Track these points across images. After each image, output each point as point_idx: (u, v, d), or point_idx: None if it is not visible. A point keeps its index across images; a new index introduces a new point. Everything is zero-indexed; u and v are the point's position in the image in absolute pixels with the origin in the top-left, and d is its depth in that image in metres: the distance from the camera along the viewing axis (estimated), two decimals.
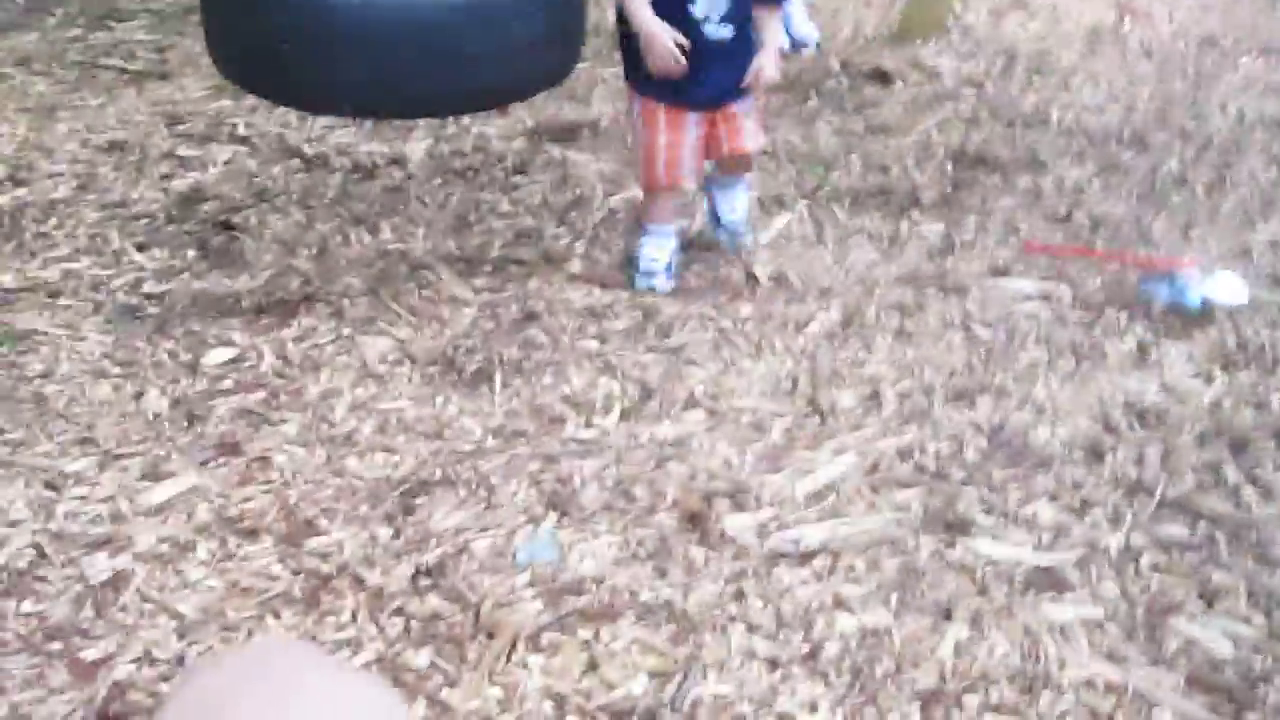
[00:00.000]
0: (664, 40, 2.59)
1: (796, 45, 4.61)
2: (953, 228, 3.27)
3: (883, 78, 4.34)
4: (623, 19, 2.69)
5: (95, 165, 3.47)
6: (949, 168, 3.64)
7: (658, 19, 2.59)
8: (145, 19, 4.83)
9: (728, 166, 3.00)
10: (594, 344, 2.67)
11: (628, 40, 2.72)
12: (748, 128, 2.85)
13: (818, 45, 4.66)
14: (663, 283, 2.89)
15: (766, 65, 2.73)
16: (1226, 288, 2.92)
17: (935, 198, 3.44)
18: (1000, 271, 3.05)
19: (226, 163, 3.53)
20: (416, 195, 3.36)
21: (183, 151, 3.59)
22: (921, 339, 2.72)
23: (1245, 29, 5.18)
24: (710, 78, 2.70)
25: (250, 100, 3.84)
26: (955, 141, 3.82)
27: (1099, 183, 3.58)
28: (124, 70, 4.24)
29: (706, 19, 2.65)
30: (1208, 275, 2.94)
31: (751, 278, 2.95)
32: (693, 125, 2.79)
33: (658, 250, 2.91)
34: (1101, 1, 5.54)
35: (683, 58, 2.60)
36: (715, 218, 3.11)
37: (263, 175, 3.46)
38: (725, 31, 2.67)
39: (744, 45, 2.72)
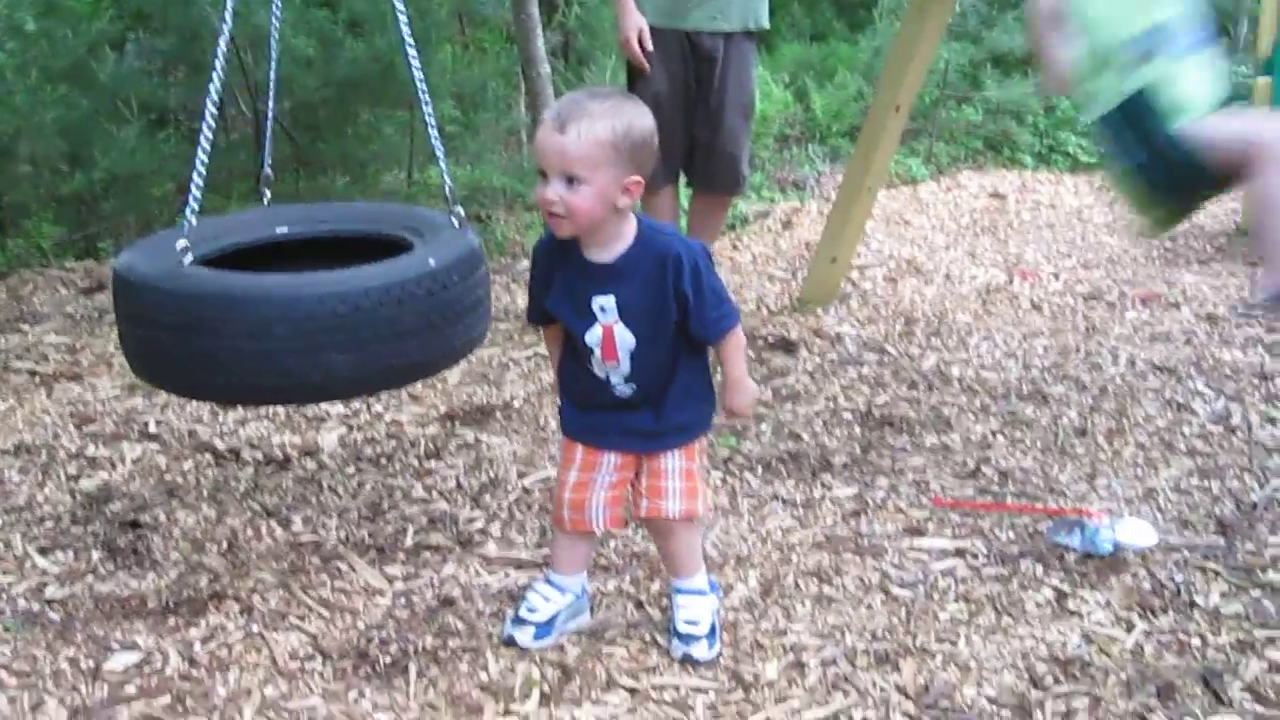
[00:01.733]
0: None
1: None
2: (865, 489, 3.31)
3: (788, 347, 4.47)
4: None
5: (1, 470, 3.42)
6: (857, 430, 3.71)
7: None
8: (58, 321, 4.86)
9: (653, 530, 2.63)
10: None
11: (559, 366, 2.53)
12: (672, 489, 2.47)
13: None
14: (527, 638, 2.52)
15: (735, 401, 2.44)
16: (1135, 532, 2.97)
17: (846, 460, 3.49)
18: (915, 530, 3.07)
19: (136, 461, 3.49)
20: (329, 485, 3.34)
21: (91, 451, 3.55)
22: (841, 603, 2.71)
23: (1127, 282, 5.44)
24: (623, 422, 2.45)
25: (162, 397, 3.84)
26: (862, 405, 3.91)
27: (1003, 437, 3.67)
28: (34, 373, 4.23)
29: (610, 382, 2.41)
30: (1116, 521, 2.99)
31: None
32: (612, 470, 2.48)
33: (544, 601, 2.56)
34: (991, 264, 5.82)
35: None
36: (672, 626, 2.56)
37: (173, 471, 3.43)
38: (628, 389, 2.41)
39: (662, 398, 2.42)
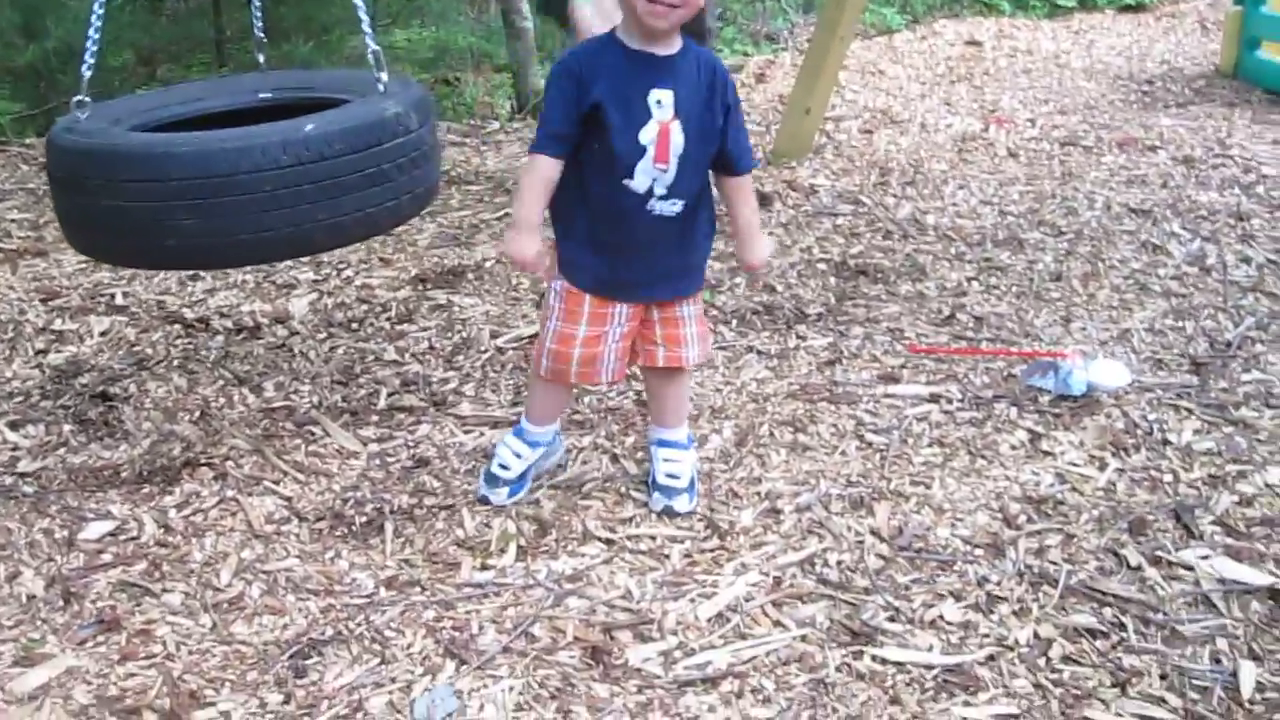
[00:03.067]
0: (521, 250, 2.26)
1: None
2: (839, 339, 3.29)
3: (763, 200, 4.41)
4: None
5: None
6: (832, 281, 3.69)
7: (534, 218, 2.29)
8: (20, 198, 4.78)
9: (657, 379, 2.56)
10: None
11: (560, 210, 2.37)
12: (689, 335, 2.45)
13: None
14: (501, 497, 2.52)
15: (750, 252, 2.42)
16: (1109, 373, 2.97)
17: (820, 311, 3.47)
18: (889, 378, 3.07)
19: (104, 333, 3.45)
20: (300, 351, 3.31)
21: (59, 325, 3.51)
22: (815, 451, 2.71)
23: (1103, 127, 5.37)
24: (652, 262, 2.36)
25: (129, 271, 3.79)
26: (836, 255, 3.88)
27: (978, 284, 3.65)
28: None
29: (650, 193, 2.27)
30: (1090, 362, 2.99)
31: (640, 404, 2.93)
32: (621, 320, 2.40)
33: (515, 457, 2.53)
34: (967, 113, 5.74)
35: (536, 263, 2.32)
36: (652, 479, 2.55)
37: (142, 343, 3.39)
38: (674, 208, 2.30)
39: (693, 225, 2.36)
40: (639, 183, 2.25)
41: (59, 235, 4.22)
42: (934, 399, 2.95)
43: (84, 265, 3.94)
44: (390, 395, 3.03)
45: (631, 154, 2.23)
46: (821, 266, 3.79)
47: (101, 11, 2.66)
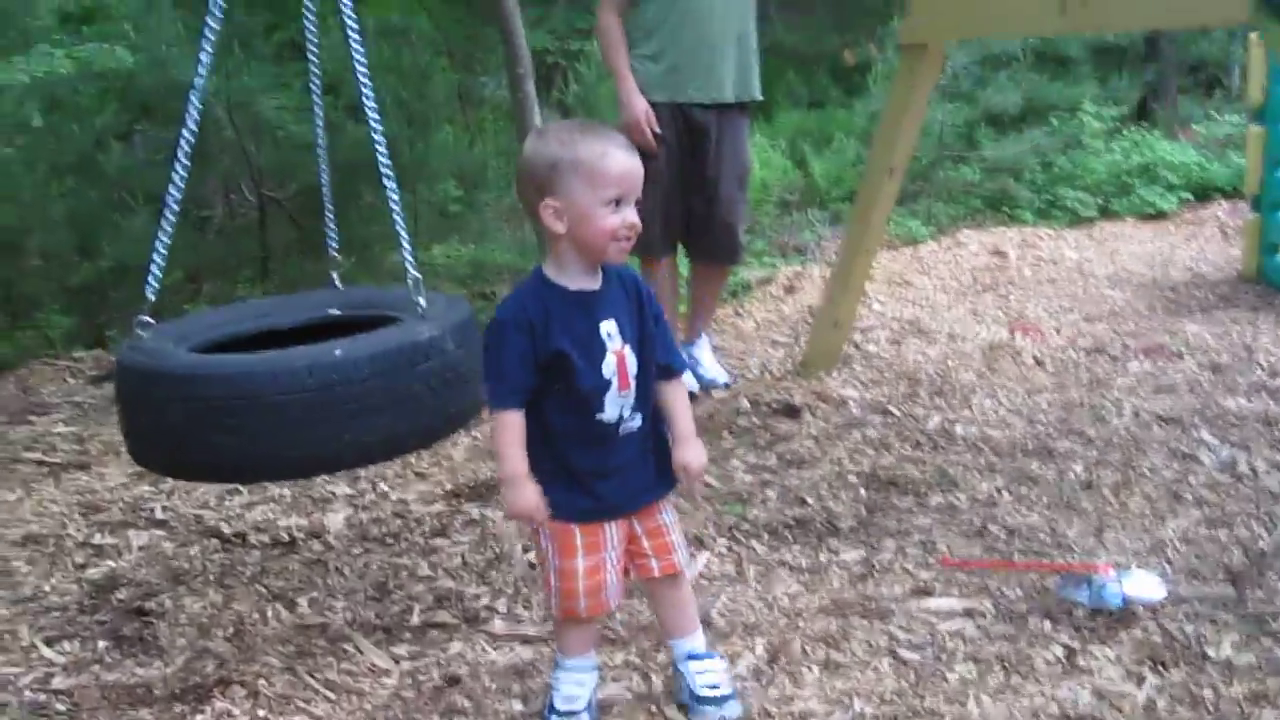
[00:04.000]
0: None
1: (706, 386, 4.77)
2: (872, 552, 3.30)
3: (792, 411, 4.47)
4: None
5: (9, 560, 3.43)
6: (863, 493, 3.71)
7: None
8: (67, 411, 4.90)
9: (659, 588, 2.56)
10: (518, 705, 2.60)
11: (533, 461, 2.36)
12: (676, 540, 2.51)
13: (726, 385, 4.82)
14: None
15: (692, 455, 2.43)
16: (1144, 585, 2.94)
17: (852, 524, 3.49)
18: (922, 591, 3.06)
19: (143, 548, 3.51)
20: (335, 566, 3.34)
21: (99, 539, 3.57)
22: (849, 668, 2.69)
23: (1130, 334, 5.44)
24: (628, 478, 2.42)
25: (169, 484, 3.86)
26: (867, 467, 3.91)
27: (1009, 494, 3.66)
28: (42, 463, 4.26)
29: (620, 418, 2.36)
30: (1124, 574, 2.97)
31: None
32: (614, 542, 2.43)
33: (577, 687, 2.50)
34: (994, 322, 5.83)
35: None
36: (691, 696, 2.52)
37: (180, 557, 3.44)
38: (637, 423, 2.40)
39: (655, 431, 2.46)
40: (610, 413, 2.35)
41: (102, 449, 4.34)
42: (967, 613, 2.93)
43: (126, 480, 4.02)
44: (423, 612, 3.05)
45: (599, 389, 2.32)
46: (852, 478, 3.81)
47: (168, 240, 2.83)
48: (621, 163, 2.25)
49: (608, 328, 2.33)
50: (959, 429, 4.24)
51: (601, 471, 2.38)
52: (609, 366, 2.32)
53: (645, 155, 4.47)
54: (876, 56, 9.66)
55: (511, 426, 2.31)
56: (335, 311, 3.24)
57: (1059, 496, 3.63)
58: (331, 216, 3.51)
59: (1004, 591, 3.03)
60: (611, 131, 2.32)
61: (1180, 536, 3.32)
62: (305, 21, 3.34)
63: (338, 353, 2.60)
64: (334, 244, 3.48)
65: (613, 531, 2.42)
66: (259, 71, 6.42)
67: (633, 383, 2.35)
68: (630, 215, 2.26)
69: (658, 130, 4.50)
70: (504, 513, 2.50)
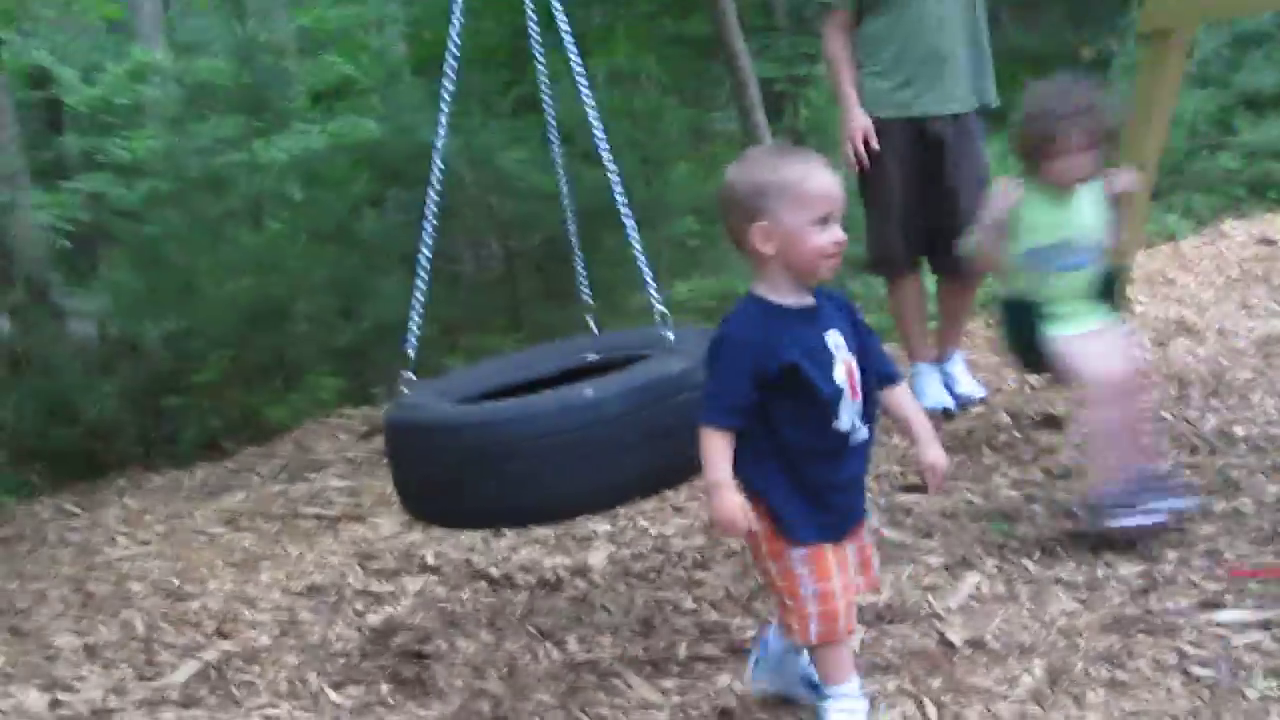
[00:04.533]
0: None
1: (962, 403, 4.63)
2: (1152, 564, 3.11)
3: (1054, 422, 4.29)
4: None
5: (295, 611, 3.61)
6: None
7: None
8: (340, 466, 5.15)
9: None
10: None
11: (749, 476, 2.38)
12: (875, 555, 2.57)
13: (984, 400, 4.66)
14: None
15: (935, 454, 2.47)
16: None
17: (1129, 536, 3.30)
18: (1211, 604, 2.87)
19: (417, 593, 3.63)
20: (601, 603, 3.38)
21: (376, 587, 3.71)
22: (1137, 689, 2.54)
23: None
24: (855, 492, 2.46)
25: (438, 531, 3.99)
26: None
27: None
28: (321, 517, 4.48)
29: (853, 428, 2.38)
30: None
31: (946, 644, 2.83)
32: (854, 555, 2.46)
33: (849, 715, 2.44)
34: (1268, 314, 5.47)
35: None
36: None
37: (452, 601, 3.54)
38: (864, 434, 2.41)
39: (873, 444, 2.48)
40: (844, 422, 2.36)
41: (375, 500, 4.54)
42: (1264, 625, 2.72)
43: (399, 529, 4.19)
44: (690, 645, 3.04)
45: (835, 398, 2.32)
46: None
47: (423, 298, 2.97)
48: (825, 182, 2.29)
49: (833, 338, 2.36)
50: (1239, 429, 3.98)
51: (838, 485, 2.40)
52: (840, 374, 2.34)
53: (876, 172, 4.46)
54: (1116, 50, 9.27)
55: (719, 439, 2.32)
56: (592, 356, 3.31)
57: None
58: (581, 262, 3.59)
59: None
60: (810, 153, 2.38)
61: None
62: (538, 75, 3.44)
63: (589, 392, 2.64)
64: (586, 290, 3.55)
65: (850, 547, 2.45)
66: (498, 128, 6.65)
67: (860, 392, 2.37)
68: (837, 233, 2.30)
69: (874, 146, 4.42)
70: (710, 520, 2.50)
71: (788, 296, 2.35)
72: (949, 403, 4.61)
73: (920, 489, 3.85)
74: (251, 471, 5.40)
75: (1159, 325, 5.50)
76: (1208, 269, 6.66)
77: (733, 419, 2.32)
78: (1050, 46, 10.80)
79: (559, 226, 3.67)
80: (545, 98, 3.58)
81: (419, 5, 9.41)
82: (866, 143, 4.42)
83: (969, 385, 4.73)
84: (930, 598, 3.10)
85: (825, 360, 2.33)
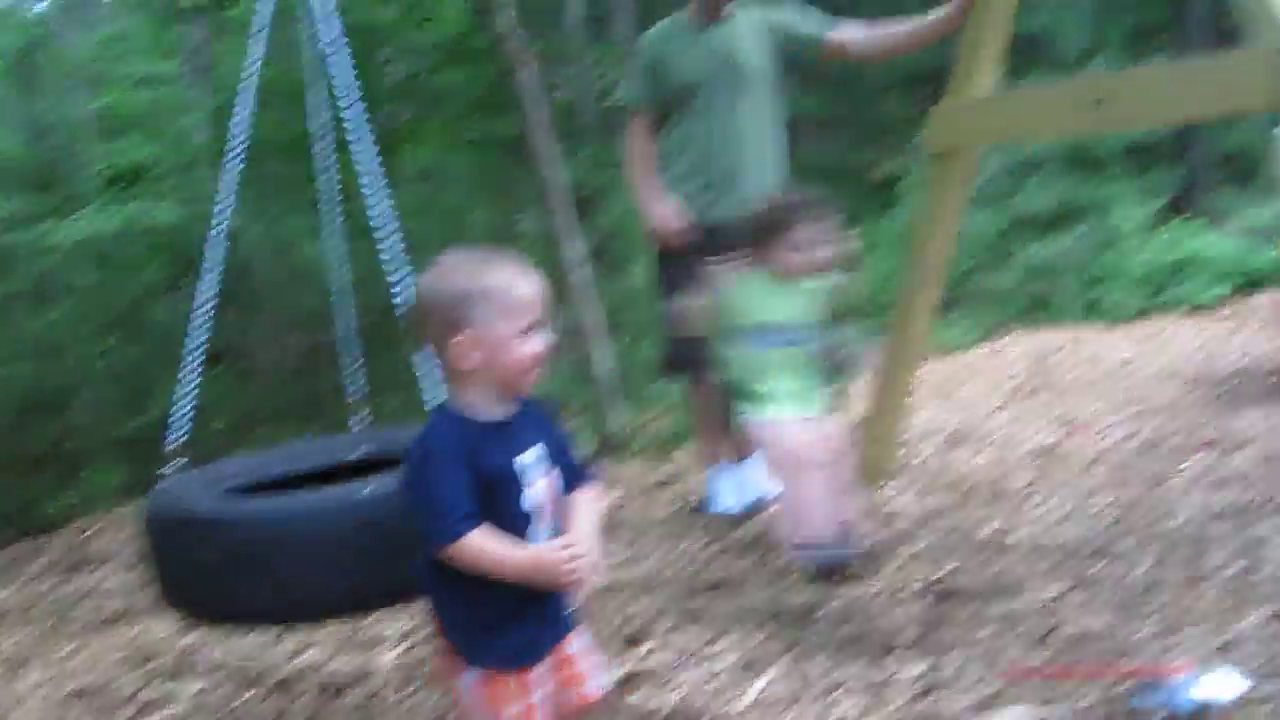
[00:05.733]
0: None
1: (758, 505, 4.71)
2: (934, 666, 3.21)
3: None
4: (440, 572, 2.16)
5: (64, 716, 3.40)
6: (921, 606, 3.62)
7: None
8: (119, 562, 4.91)
9: None
10: None
11: (444, 592, 2.22)
12: (593, 662, 2.35)
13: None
14: None
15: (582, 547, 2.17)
16: (1221, 685, 2.84)
17: (912, 638, 3.40)
18: (989, 704, 2.96)
19: (194, 696, 3.47)
20: (389, 708, 3.29)
21: (150, 692, 3.54)
22: None
23: (1184, 429, 5.35)
24: (544, 612, 2.25)
25: (219, 633, 3.84)
26: (924, 578, 3.82)
27: (1073, 598, 3.56)
28: (95, 615, 4.26)
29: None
30: (1200, 676, 2.87)
31: None
32: (544, 681, 2.25)
33: None
34: (1045, 423, 5.76)
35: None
36: None
37: (230, 707, 3.40)
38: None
39: None
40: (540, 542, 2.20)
41: (156, 599, 4.33)
42: None
43: (178, 628, 4.00)
44: None
45: (525, 523, 2.19)
46: (909, 592, 3.73)
47: (193, 388, 2.91)
48: (530, 288, 2.17)
49: (529, 456, 2.21)
50: (1015, 535, 4.16)
51: (522, 611, 2.20)
52: (535, 496, 2.20)
53: (674, 274, 4.56)
54: (907, 168, 9.75)
55: (482, 537, 2.09)
56: (361, 453, 3.29)
57: (1124, 598, 3.53)
58: (352, 363, 3.58)
59: (1075, 700, 2.93)
60: (511, 257, 2.22)
61: (1252, 634, 3.21)
62: (320, 166, 3.47)
63: (365, 492, 2.62)
64: (357, 387, 3.55)
65: (540, 671, 2.24)
66: (301, 219, 6.56)
67: (558, 506, 2.25)
68: (542, 341, 2.17)
69: (682, 227, 4.56)
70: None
71: (484, 411, 2.19)
72: (745, 504, 4.69)
73: (713, 589, 3.89)
74: (22, 565, 5.11)
75: (943, 434, 5.72)
76: (989, 381, 6.98)
77: (468, 524, 2.09)
78: (842, 164, 11.31)
79: (360, 320, 3.64)
80: (329, 191, 3.61)
81: (222, 92, 9.27)
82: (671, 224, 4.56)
83: (766, 486, 4.82)
84: (720, 701, 3.12)
85: (514, 486, 2.17)
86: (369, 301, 6.31)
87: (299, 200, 6.78)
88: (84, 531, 5.50)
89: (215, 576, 2.65)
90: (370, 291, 6.29)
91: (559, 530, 2.22)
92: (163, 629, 4.03)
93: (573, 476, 2.30)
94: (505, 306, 2.13)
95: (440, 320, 2.15)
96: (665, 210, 4.60)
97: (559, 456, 2.28)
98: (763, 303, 3.69)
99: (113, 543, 5.26)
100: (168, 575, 2.85)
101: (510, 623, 2.19)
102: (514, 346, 2.14)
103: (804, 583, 3.89)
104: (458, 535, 2.08)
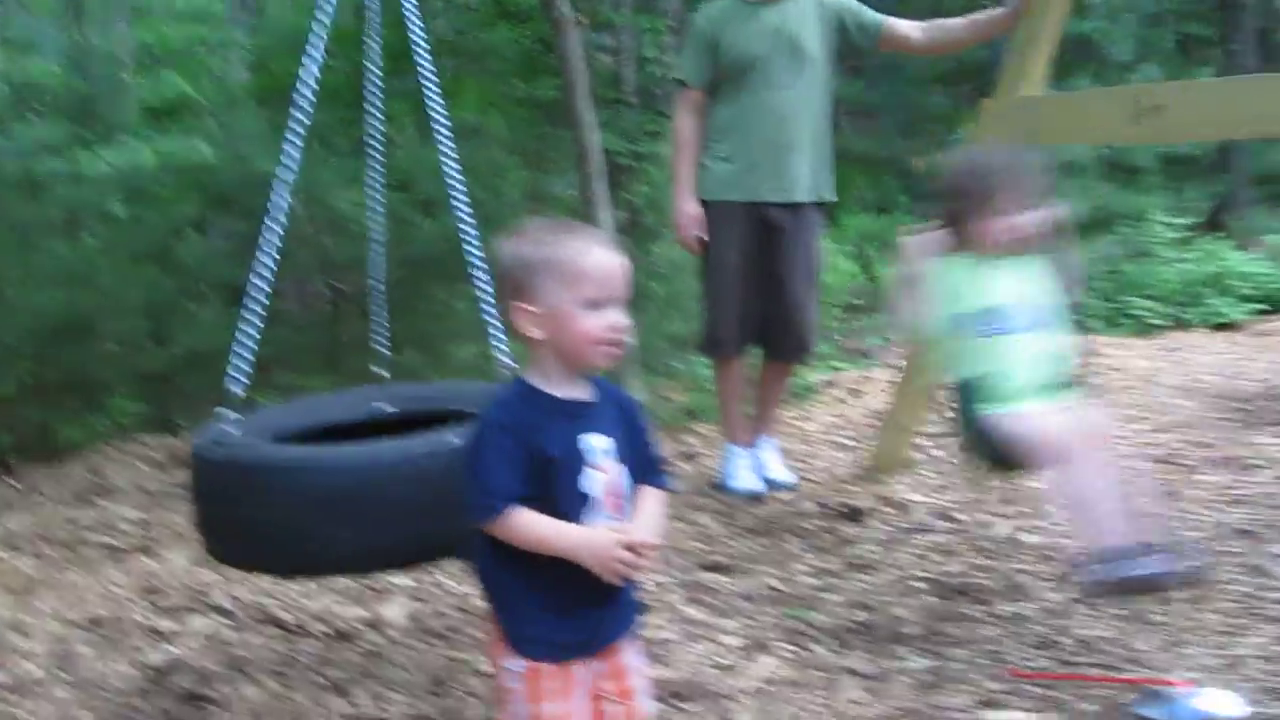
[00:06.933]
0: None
1: (772, 488, 4.73)
2: (939, 661, 3.22)
3: (857, 515, 4.42)
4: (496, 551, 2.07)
5: (70, 643, 3.44)
6: (930, 600, 3.64)
7: None
8: (135, 496, 4.95)
9: None
10: None
11: (497, 573, 2.13)
12: (642, 684, 2.22)
13: (791, 487, 4.77)
14: None
15: (645, 535, 2.07)
16: (1221, 703, 2.85)
17: (919, 631, 3.41)
18: (991, 703, 2.98)
19: (204, 634, 3.51)
20: (394, 659, 3.32)
21: (160, 624, 3.57)
22: None
23: (1202, 445, 5.34)
24: (605, 605, 2.12)
25: (232, 572, 3.86)
26: (933, 573, 3.84)
27: (1081, 605, 3.57)
28: (107, 546, 4.29)
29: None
30: (1200, 691, 2.88)
31: None
32: (583, 687, 2.13)
33: None
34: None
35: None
36: None
37: (240, 645, 3.43)
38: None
39: None
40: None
41: (168, 534, 4.37)
42: None
43: (190, 566, 4.04)
44: (482, 706, 3.01)
45: (577, 509, 2.08)
46: (919, 585, 3.75)
47: (254, 333, 2.90)
48: (600, 261, 2.04)
49: (594, 441, 2.09)
50: (1029, 537, 4.16)
51: (583, 598, 2.09)
52: (593, 484, 2.08)
53: (715, 256, 4.57)
54: None
55: (524, 515, 2.02)
56: (391, 410, 3.31)
57: (1132, 609, 3.53)
58: (383, 314, 3.58)
59: (1076, 705, 2.95)
60: (595, 232, 2.16)
61: (1258, 654, 3.21)
62: (368, 116, 3.46)
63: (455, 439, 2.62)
64: (384, 342, 3.55)
65: (584, 678, 2.14)
66: (336, 166, 6.55)
67: (625, 505, 2.12)
68: (612, 318, 2.05)
69: (704, 236, 4.57)
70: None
71: (556, 385, 2.09)
72: (759, 487, 4.70)
73: (723, 568, 3.91)
74: (38, 493, 5.15)
75: None
76: None
77: (511, 498, 2.02)
78: (882, 152, 11.27)
79: (388, 272, 3.65)
80: (375, 141, 3.60)
81: (266, 34, 9.26)
82: (695, 228, 4.57)
83: (779, 471, 4.84)
84: (724, 679, 3.14)
85: (575, 466, 2.07)
86: (397, 254, 6.36)
87: (333, 148, 6.79)
88: (101, 461, 5.53)
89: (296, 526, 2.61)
90: (398, 245, 6.34)
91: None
92: (176, 565, 4.07)
93: (646, 475, 2.17)
94: (570, 277, 2.03)
95: (509, 286, 2.08)
96: (689, 213, 4.60)
97: (636, 452, 2.15)
98: (985, 284, 3.20)
99: (129, 476, 5.29)
100: (234, 523, 2.75)
101: (560, 614, 2.09)
102: (578, 319, 2.03)
103: (811, 570, 3.91)
104: (495, 513, 2.01)
